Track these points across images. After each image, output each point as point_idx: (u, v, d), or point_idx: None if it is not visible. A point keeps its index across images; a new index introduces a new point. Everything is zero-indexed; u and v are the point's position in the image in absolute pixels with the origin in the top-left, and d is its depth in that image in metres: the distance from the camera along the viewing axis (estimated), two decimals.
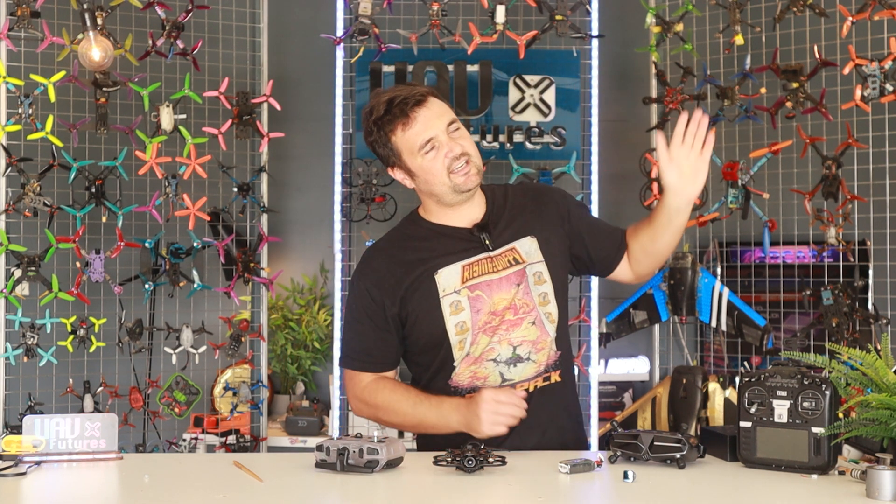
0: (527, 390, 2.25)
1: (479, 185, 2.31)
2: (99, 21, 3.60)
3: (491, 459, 1.93)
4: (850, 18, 3.60)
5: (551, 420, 2.28)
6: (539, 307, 2.27)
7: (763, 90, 3.85)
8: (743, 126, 3.97)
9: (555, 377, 2.30)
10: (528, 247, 2.30)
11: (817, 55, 3.70)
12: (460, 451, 1.93)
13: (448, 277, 2.26)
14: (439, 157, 2.24)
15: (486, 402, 2.15)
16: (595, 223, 2.46)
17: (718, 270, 4.23)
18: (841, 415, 1.93)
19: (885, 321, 3.64)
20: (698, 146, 2.18)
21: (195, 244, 3.88)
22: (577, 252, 2.38)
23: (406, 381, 2.41)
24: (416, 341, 2.32)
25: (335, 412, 3.95)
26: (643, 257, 2.38)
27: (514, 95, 3.96)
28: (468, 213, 2.33)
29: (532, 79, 3.97)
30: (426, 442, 2.32)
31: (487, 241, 2.28)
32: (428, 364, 2.32)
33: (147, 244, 3.83)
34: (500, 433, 2.17)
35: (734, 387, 3.90)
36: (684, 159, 2.18)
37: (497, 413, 2.16)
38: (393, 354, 2.35)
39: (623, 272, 2.43)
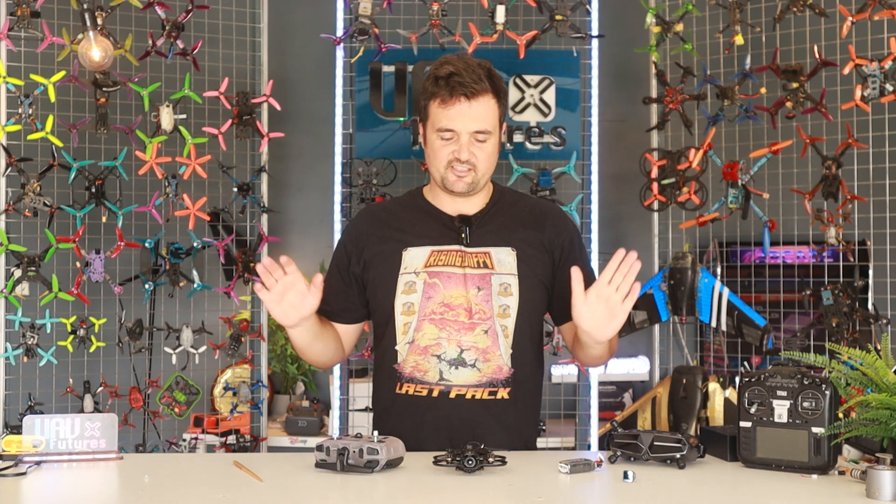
0: (463, 395, 2.24)
1: (471, 191, 2.29)
2: (99, 21, 3.60)
3: (491, 459, 1.93)
4: (850, 18, 3.60)
5: (487, 434, 2.22)
6: (496, 318, 2.25)
7: (763, 90, 3.86)
8: (743, 126, 3.98)
9: (502, 394, 2.25)
10: (503, 257, 2.28)
11: (817, 55, 3.70)
12: (460, 450, 1.93)
13: (414, 257, 2.29)
14: (447, 149, 2.26)
15: (265, 300, 2.16)
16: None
17: (718, 270, 4.24)
18: (841, 415, 1.93)
19: (885, 321, 3.64)
20: (623, 291, 2.05)
21: (195, 244, 3.88)
22: (550, 287, 2.34)
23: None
24: (373, 312, 2.38)
25: (335, 412, 3.95)
26: (576, 349, 2.31)
27: (514, 95, 3.96)
28: (464, 203, 2.34)
29: (532, 79, 3.97)
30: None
31: (464, 236, 2.29)
32: (380, 339, 2.36)
33: (147, 244, 3.83)
34: (289, 319, 2.18)
35: (734, 387, 3.90)
36: (602, 302, 2.06)
37: (272, 302, 2.16)
38: (349, 310, 2.39)
39: (567, 337, 2.36)
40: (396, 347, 2.28)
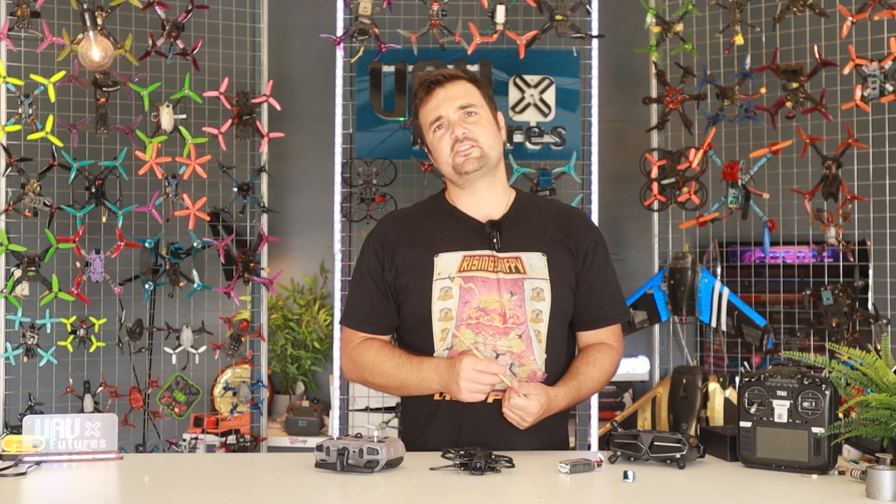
0: (500, 400, 2.22)
1: (481, 168, 2.29)
2: (99, 21, 3.60)
3: (497, 467, 1.92)
4: (850, 18, 3.60)
5: (521, 437, 2.22)
6: (530, 323, 2.25)
7: (763, 90, 3.86)
8: (743, 126, 3.98)
9: None
10: (534, 261, 2.28)
11: (817, 55, 3.70)
12: (469, 451, 1.94)
13: (446, 262, 2.27)
14: (446, 137, 2.29)
15: (465, 370, 2.14)
16: (595, 289, 2.35)
17: (718, 270, 4.24)
18: (841, 415, 1.93)
19: (885, 321, 3.64)
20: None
21: (195, 244, 3.88)
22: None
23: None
24: (405, 318, 2.34)
25: (335, 412, 3.94)
26: None
27: (514, 95, 3.96)
28: (488, 206, 2.34)
29: (532, 79, 3.97)
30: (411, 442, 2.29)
31: (496, 241, 2.28)
32: (412, 346, 2.33)
33: (147, 244, 3.83)
34: (479, 399, 2.18)
35: (734, 387, 3.90)
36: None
37: (476, 382, 2.15)
38: (389, 319, 2.35)
39: (578, 345, 2.40)
40: (435, 354, 2.26)
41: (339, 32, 3.90)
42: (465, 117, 2.29)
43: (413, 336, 2.33)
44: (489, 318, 2.24)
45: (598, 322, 2.35)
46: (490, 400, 2.23)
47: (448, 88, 2.31)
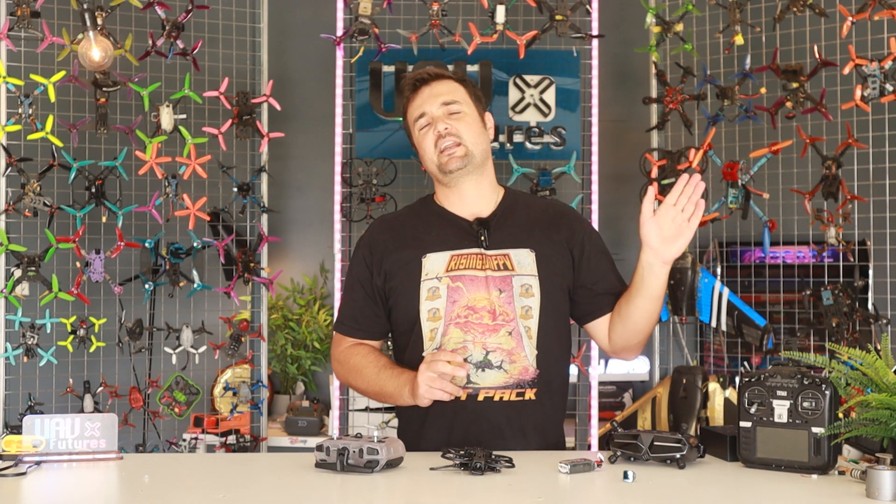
0: (492, 398, 2.24)
1: (466, 166, 2.30)
2: (99, 21, 3.60)
3: (497, 467, 1.92)
4: (850, 18, 3.60)
5: (514, 435, 2.24)
6: (520, 319, 2.25)
7: (763, 90, 3.86)
8: (743, 126, 3.98)
9: (529, 394, 2.25)
10: (522, 258, 2.28)
11: (817, 55, 3.70)
12: (469, 451, 1.94)
13: (434, 263, 2.29)
14: (430, 133, 2.31)
15: (422, 372, 2.15)
16: (600, 272, 2.35)
17: (718, 270, 4.24)
18: (841, 415, 1.93)
19: (885, 321, 3.64)
20: (689, 211, 2.15)
21: (195, 244, 3.88)
22: (572, 287, 2.35)
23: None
24: (395, 321, 2.36)
25: (335, 412, 3.94)
26: (619, 323, 2.30)
27: (514, 95, 3.96)
28: (476, 205, 2.35)
29: (532, 79, 3.97)
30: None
31: (483, 238, 2.29)
32: (403, 348, 2.34)
33: (147, 244, 3.84)
34: (439, 397, 2.16)
35: (734, 387, 3.90)
36: (669, 220, 2.15)
37: (432, 383, 2.14)
38: (379, 325, 2.38)
39: (599, 333, 2.36)
40: (424, 354, 2.26)
41: (339, 32, 3.90)
42: (448, 114, 2.30)
43: (404, 338, 2.34)
44: (478, 317, 2.24)
45: (611, 307, 2.33)
46: (481, 398, 2.24)
47: (433, 86, 2.33)
